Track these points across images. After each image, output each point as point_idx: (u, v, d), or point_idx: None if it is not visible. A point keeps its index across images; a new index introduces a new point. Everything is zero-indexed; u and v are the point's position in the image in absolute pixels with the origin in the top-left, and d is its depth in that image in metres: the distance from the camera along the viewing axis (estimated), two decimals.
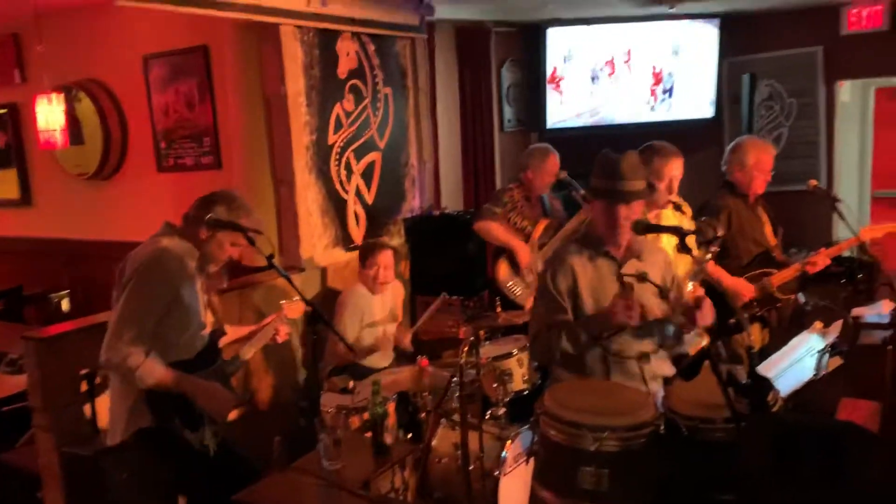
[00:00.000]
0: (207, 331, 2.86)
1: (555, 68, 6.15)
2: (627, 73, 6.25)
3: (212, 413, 2.77)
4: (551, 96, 6.20)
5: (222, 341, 3.00)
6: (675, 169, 3.35)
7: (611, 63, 6.21)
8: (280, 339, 3.19)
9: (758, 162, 3.79)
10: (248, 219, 2.76)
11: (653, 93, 6.34)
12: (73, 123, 5.31)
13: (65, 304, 4.78)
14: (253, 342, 3.13)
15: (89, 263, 5.31)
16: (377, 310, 4.09)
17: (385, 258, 4.06)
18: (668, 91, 6.36)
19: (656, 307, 2.72)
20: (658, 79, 6.31)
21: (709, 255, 3.23)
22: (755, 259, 3.81)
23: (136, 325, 2.58)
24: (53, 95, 4.69)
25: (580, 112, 6.29)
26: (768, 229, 3.90)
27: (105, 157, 5.36)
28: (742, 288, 3.70)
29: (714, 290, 3.47)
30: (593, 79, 6.23)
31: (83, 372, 3.31)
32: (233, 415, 3.09)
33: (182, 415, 2.69)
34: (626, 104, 6.34)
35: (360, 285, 4.11)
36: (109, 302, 2.71)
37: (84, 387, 3.34)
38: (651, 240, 2.90)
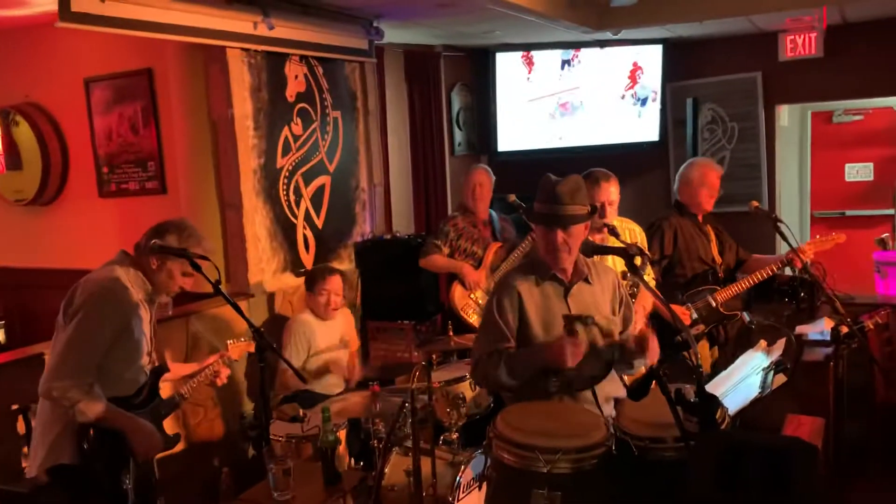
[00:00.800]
0: (150, 366, 2.80)
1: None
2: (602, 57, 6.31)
3: (138, 452, 2.70)
4: (520, 71, 6.20)
5: (164, 378, 2.93)
6: (604, 194, 3.39)
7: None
8: (219, 383, 3.13)
9: (702, 177, 3.94)
10: (198, 247, 2.72)
11: (632, 86, 6.43)
12: (11, 148, 5.16)
13: (0, 335, 4.60)
14: (192, 384, 3.06)
15: (27, 292, 5.13)
16: (326, 337, 4.03)
17: (335, 283, 4.02)
18: (643, 100, 6.45)
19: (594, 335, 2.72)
20: (634, 80, 6.41)
21: (644, 275, 3.31)
22: (699, 276, 3.91)
23: (82, 356, 2.52)
24: None
25: (552, 92, 6.30)
26: (714, 248, 4.01)
27: (44, 182, 5.21)
28: (677, 313, 3.78)
29: (657, 311, 3.53)
30: (563, 63, 6.29)
31: (14, 407, 3.18)
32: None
33: (107, 455, 2.62)
34: (602, 92, 6.39)
35: (307, 312, 4.06)
36: (47, 332, 2.63)
37: (21, 421, 3.21)
38: (599, 260, 2.91)
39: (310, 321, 4.01)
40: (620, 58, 6.30)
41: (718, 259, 4.03)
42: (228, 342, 3.23)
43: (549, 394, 2.62)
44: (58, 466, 2.60)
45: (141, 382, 2.73)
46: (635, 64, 6.35)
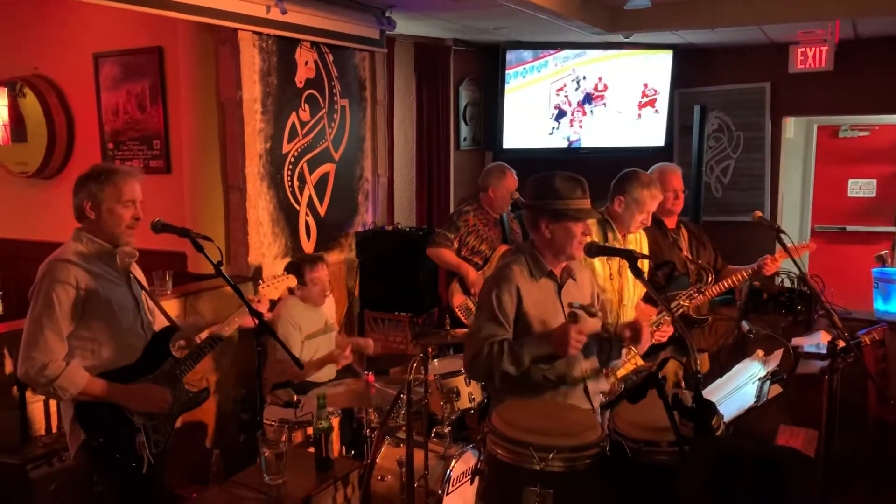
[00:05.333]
0: (147, 329, 2.80)
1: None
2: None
3: (149, 412, 2.71)
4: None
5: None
6: (656, 202, 3.37)
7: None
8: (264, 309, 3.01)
9: (666, 182, 3.87)
10: (115, 175, 2.68)
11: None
12: (17, 119, 5.15)
13: None
14: (230, 320, 2.99)
15: (26, 265, 5.06)
16: (314, 321, 4.01)
17: (325, 270, 4.01)
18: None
19: (591, 326, 2.74)
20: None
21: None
22: (674, 279, 3.89)
23: (47, 333, 2.54)
24: None
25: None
26: (686, 255, 3.98)
27: (49, 155, 5.19)
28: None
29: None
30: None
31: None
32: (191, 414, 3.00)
33: (112, 428, 2.63)
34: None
35: (293, 300, 3.99)
36: None
37: (15, 392, 3.21)
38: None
39: (299, 305, 3.97)
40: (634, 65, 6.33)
41: (691, 266, 3.99)
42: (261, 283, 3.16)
43: (542, 387, 2.64)
44: (82, 444, 2.64)
45: (139, 347, 2.73)
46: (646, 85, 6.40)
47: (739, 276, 3.90)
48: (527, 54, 6.18)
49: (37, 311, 2.57)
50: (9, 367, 3.21)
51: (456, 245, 4.50)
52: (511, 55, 6.14)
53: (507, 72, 6.15)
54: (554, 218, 2.63)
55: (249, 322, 2.94)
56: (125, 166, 2.80)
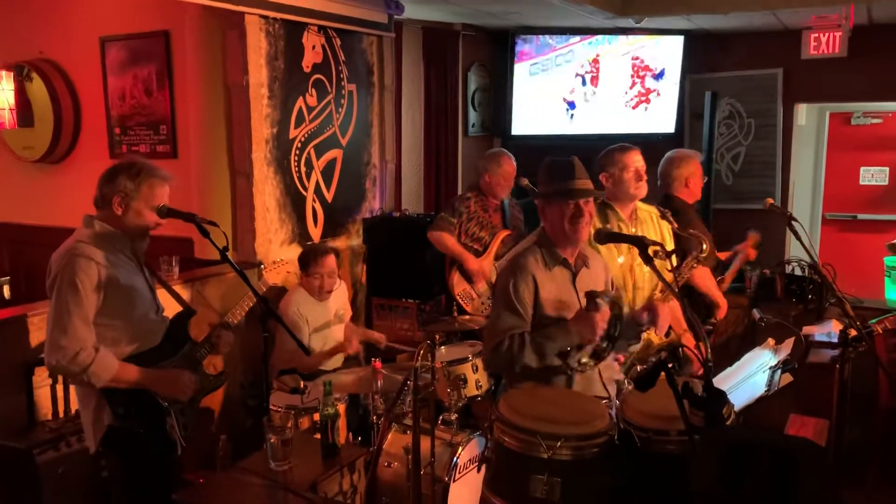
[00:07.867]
0: (165, 313, 2.80)
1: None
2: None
3: (176, 398, 2.71)
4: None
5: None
6: (637, 160, 3.27)
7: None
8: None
9: (696, 167, 4.05)
10: (152, 178, 2.66)
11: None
12: (24, 104, 5.13)
13: (5, 291, 4.60)
14: (237, 307, 3.03)
15: (33, 250, 5.12)
16: (322, 313, 3.98)
17: (329, 264, 3.91)
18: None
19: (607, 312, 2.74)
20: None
21: (689, 268, 3.30)
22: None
23: (76, 321, 2.50)
24: (3, 73, 4.53)
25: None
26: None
27: (55, 140, 5.18)
28: (722, 303, 3.86)
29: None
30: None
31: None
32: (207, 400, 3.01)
33: (143, 411, 2.62)
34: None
35: (301, 291, 3.95)
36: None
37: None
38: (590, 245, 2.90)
39: (307, 297, 3.94)
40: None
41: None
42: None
43: (561, 375, 2.63)
44: (105, 433, 2.61)
45: (157, 331, 2.73)
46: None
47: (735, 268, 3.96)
48: (534, 48, 6.13)
49: (62, 298, 2.52)
50: (16, 352, 3.21)
51: (457, 230, 4.49)
52: (521, 46, 6.09)
53: (515, 65, 6.10)
54: (546, 200, 2.66)
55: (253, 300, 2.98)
56: (161, 169, 2.72)
